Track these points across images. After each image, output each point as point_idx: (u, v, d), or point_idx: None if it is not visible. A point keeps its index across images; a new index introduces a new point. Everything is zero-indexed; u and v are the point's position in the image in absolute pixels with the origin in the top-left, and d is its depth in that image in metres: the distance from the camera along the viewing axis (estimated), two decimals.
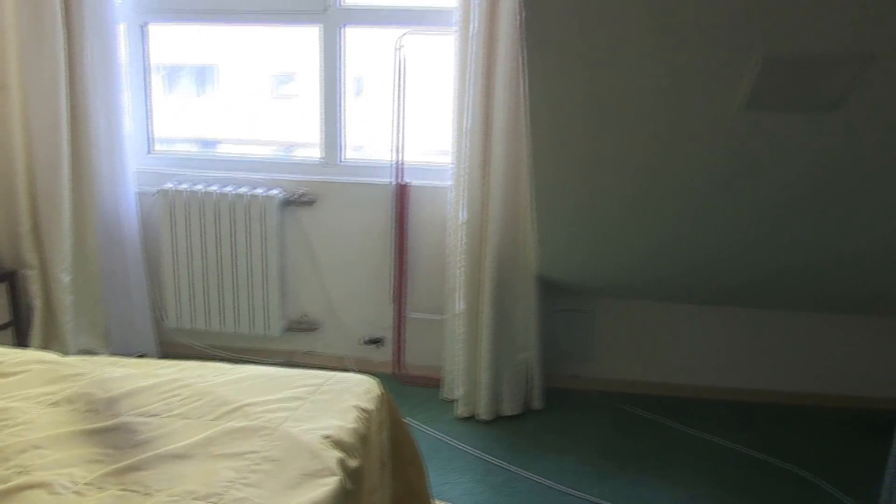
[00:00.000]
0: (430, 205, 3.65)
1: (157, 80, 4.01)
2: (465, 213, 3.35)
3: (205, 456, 1.91)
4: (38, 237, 3.73)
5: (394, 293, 3.78)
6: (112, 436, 2.03)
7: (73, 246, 3.73)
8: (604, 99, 2.38)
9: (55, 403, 2.21)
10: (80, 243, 3.77)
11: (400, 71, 3.54)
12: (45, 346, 3.80)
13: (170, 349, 4.04)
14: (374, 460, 2.20)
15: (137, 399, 2.22)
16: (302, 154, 4.02)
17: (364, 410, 2.21)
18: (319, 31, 3.66)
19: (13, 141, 3.62)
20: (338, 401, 2.23)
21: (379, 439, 2.29)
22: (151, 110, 3.95)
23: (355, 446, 2.05)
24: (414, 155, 3.68)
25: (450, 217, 3.48)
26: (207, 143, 4.32)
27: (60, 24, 3.47)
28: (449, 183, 3.46)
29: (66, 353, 3.71)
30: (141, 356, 3.97)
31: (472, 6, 3.18)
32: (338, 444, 2.00)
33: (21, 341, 3.74)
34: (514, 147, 3.24)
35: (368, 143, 3.92)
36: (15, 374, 2.39)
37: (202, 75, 4.44)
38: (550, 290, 3.53)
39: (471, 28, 3.18)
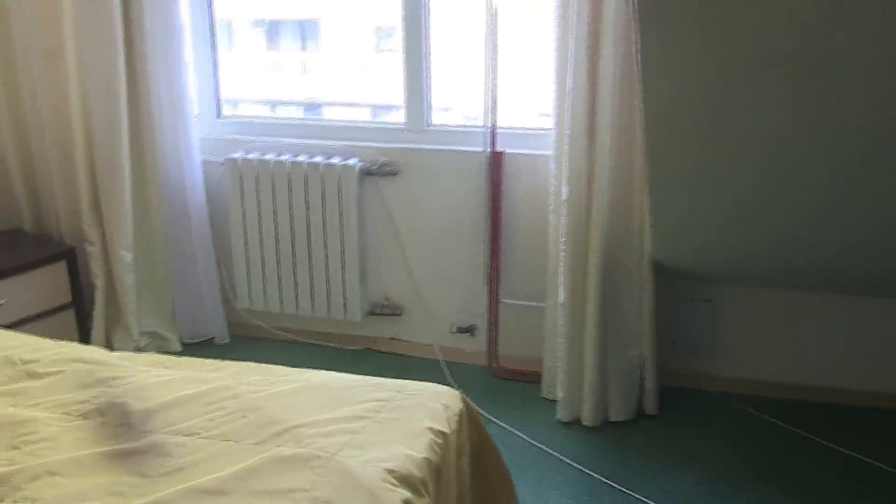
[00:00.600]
0: (529, 176, 3.33)
1: (257, 37, 3.79)
2: (566, 187, 3.01)
3: (243, 492, 1.67)
4: (98, 211, 3.58)
5: (487, 276, 3.48)
6: (141, 460, 1.81)
7: (135, 220, 3.58)
8: (733, 60, 2.02)
9: (85, 415, 2.01)
10: (142, 218, 3.61)
11: (492, 21, 3.20)
12: (108, 328, 3.67)
13: (240, 332, 3.87)
14: (450, 495, 1.93)
15: (177, 412, 2.00)
16: (393, 117, 3.74)
17: (440, 433, 1.93)
18: None
19: (70, 107, 3.47)
20: (409, 421, 1.96)
21: (458, 466, 2.02)
22: (218, 71, 3.73)
23: (426, 481, 1.78)
24: (510, 119, 3.35)
25: (551, 191, 3.14)
26: (304, 105, 4.08)
27: None
28: (550, 152, 3.12)
29: (130, 335, 3.62)
30: (209, 340, 3.80)
31: None
32: (404, 480, 1.73)
33: (82, 323, 3.61)
34: (626, 110, 2.89)
35: (458, 104, 3.60)
36: (48, 375, 2.21)
37: (302, 31, 4.19)
38: (666, 276, 3.16)
39: None
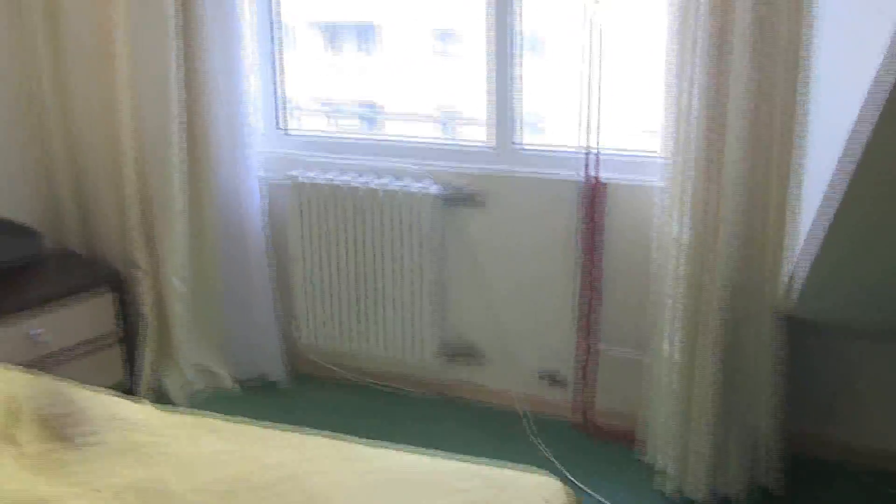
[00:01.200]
0: (633, 208, 3.01)
1: (316, 40, 3.68)
2: (682, 224, 2.68)
3: None
4: (149, 232, 3.37)
5: (580, 319, 3.16)
6: None
7: (188, 244, 3.37)
8: None
9: (120, 496, 1.75)
10: (195, 242, 3.40)
11: (594, 27, 2.90)
12: (157, 363, 3.47)
13: (300, 371, 3.63)
14: None
15: (228, 501, 1.72)
16: (466, 132, 3.49)
17: None
18: None
19: (120, 116, 3.27)
20: None
21: None
22: (283, 82, 3.48)
23: None
24: (613, 140, 3.03)
25: (659, 227, 2.82)
26: (364, 115, 3.82)
27: None
28: (659, 181, 2.79)
29: (181, 371, 3.39)
30: (265, 380, 3.55)
31: None
32: None
33: (130, 357, 3.41)
34: (761, 134, 2.54)
35: (551, 122, 3.30)
36: (83, 439, 1.97)
37: (361, 34, 3.94)
38: (797, 328, 2.80)
39: None
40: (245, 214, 3.37)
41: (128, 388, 3.41)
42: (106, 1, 3.18)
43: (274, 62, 3.46)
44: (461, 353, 3.40)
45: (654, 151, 2.84)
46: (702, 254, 2.67)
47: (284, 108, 3.52)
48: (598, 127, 2.96)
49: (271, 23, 3.42)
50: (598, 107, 2.95)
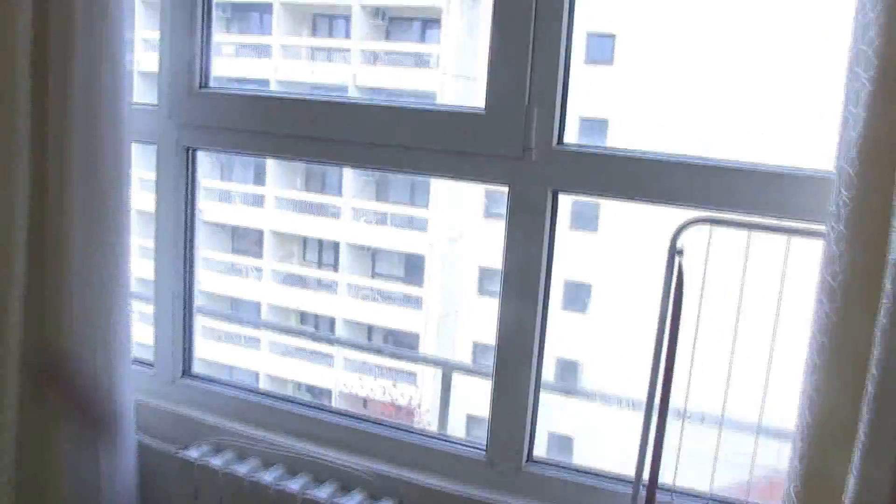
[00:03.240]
0: None
1: None
2: None
3: None
4: None
5: None
6: None
7: None
8: None
9: None
10: None
11: (673, 294, 1.77)
12: None
13: None
14: None
15: None
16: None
17: None
18: (506, 197, 1.95)
19: None
20: None
21: None
22: (193, 297, 2.36)
23: None
24: (691, 473, 1.85)
25: None
26: None
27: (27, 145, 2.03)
28: None
29: None
30: None
31: None
32: None
33: None
34: None
35: (589, 433, 2.16)
36: None
37: None
38: None
39: None
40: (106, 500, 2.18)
41: None
42: None
43: (189, 278, 2.35)
44: None
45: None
46: None
47: (191, 345, 2.37)
48: (661, 446, 1.79)
49: (187, 216, 2.32)
50: (665, 413, 1.78)
